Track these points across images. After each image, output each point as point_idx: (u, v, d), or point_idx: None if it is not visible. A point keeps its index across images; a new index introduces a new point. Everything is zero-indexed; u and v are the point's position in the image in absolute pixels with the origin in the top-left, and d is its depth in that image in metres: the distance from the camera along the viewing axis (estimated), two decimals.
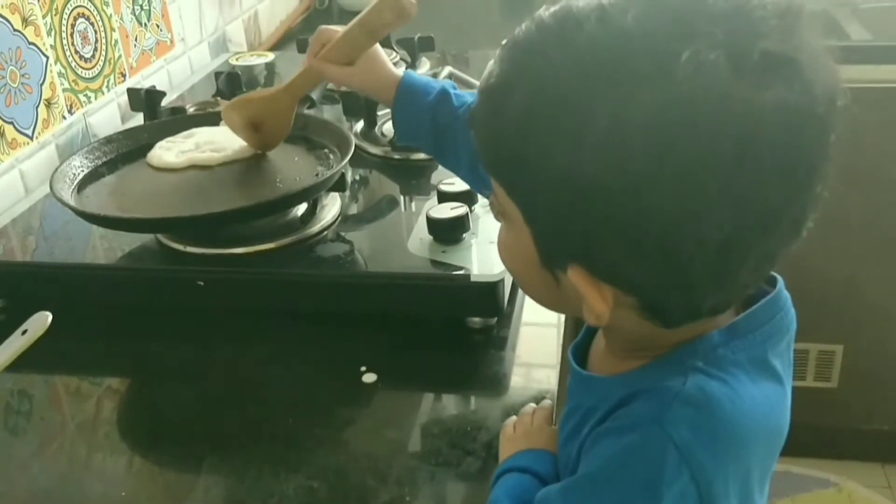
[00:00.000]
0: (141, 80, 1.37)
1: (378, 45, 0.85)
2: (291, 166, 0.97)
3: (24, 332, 0.68)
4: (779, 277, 0.58)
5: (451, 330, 0.88)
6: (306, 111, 1.05)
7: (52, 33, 1.16)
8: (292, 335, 0.89)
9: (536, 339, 0.88)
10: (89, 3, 1.24)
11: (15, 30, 1.09)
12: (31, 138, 1.13)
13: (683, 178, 0.45)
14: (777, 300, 0.56)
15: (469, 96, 0.82)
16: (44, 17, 1.14)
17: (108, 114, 1.29)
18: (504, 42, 0.52)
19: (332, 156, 0.98)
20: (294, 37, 1.92)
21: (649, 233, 0.47)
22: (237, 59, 1.54)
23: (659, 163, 0.45)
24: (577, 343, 0.66)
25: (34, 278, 0.95)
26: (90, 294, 0.94)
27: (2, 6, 1.06)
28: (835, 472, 1.88)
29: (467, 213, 0.90)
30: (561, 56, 0.48)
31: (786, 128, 0.46)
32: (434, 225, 0.90)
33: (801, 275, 1.77)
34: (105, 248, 0.97)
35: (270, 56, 1.55)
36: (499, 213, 0.57)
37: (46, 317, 0.68)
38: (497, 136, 0.52)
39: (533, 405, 0.76)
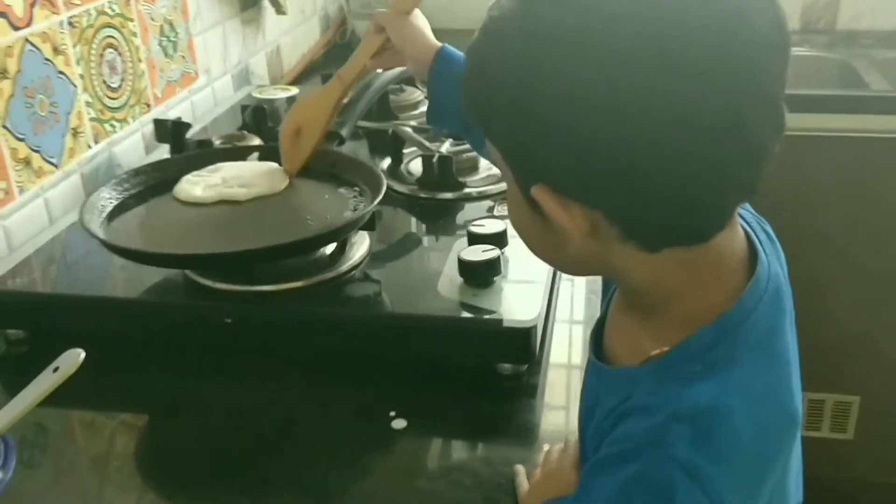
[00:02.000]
0: (165, 111, 1.36)
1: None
2: (321, 203, 0.96)
3: (56, 369, 0.66)
4: (762, 254, 0.57)
5: (480, 375, 0.86)
6: (335, 148, 1.04)
7: (82, 63, 1.15)
8: (320, 376, 0.88)
9: (566, 381, 0.87)
10: (118, 34, 1.23)
11: (45, 59, 1.08)
12: (57, 167, 1.12)
13: (614, 59, 0.46)
14: (760, 281, 0.55)
15: None
16: (74, 46, 1.14)
17: (133, 144, 1.28)
18: None
19: (362, 194, 0.97)
20: (316, 70, 1.93)
21: (594, 133, 0.47)
22: (261, 93, 1.54)
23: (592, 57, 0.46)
24: (599, 320, 0.66)
25: (57, 310, 0.93)
26: (114, 327, 0.93)
27: (34, 35, 1.06)
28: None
29: (499, 257, 0.89)
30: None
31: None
32: (466, 267, 0.89)
33: (818, 325, 1.77)
34: (129, 280, 0.95)
35: (293, 90, 1.55)
36: (499, 170, 0.59)
37: (78, 354, 0.66)
38: (471, 80, 0.54)
39: (553, 446, 0.74)
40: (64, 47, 1.12)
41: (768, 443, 0.55)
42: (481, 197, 1.12)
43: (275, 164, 1.02)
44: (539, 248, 0.60)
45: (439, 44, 0.87)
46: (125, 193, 0.98)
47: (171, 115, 1.37)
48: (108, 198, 0.95)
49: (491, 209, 1.09)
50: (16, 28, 1.03)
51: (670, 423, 0.51)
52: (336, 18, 2.15)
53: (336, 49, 2.09)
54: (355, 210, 0.94)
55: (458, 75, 0.81)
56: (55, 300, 0.93)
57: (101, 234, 0.87)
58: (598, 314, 0.68)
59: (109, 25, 1.21)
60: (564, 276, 0.98)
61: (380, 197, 0.92)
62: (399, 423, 0.80)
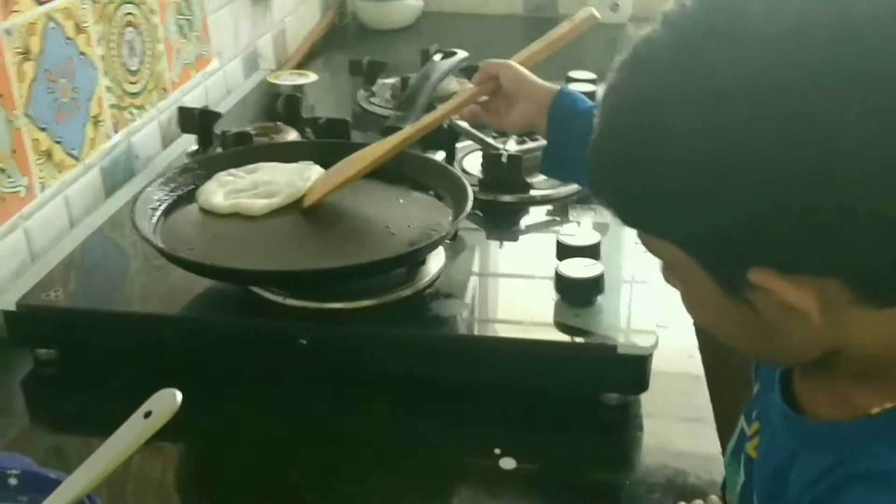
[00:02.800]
0: (181, 97, 1.24)
1: None
2: (398, 209, 0.86)
3: (148, 414, 0.56)
4: None
5: (582, 404, 0.78)
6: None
7: (102, 43, 1.03)
8: (408, 405, 0.78)
9: (675, 403, 0.80)
10: (138, 11, 1.11)
11: (67, 38, 0.96)
12: (79, 160, 0.99)
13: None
14: None
15: None
16: (95, 23, 1.01)
17: (150, 133, 1.16)
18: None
19: (440, 199, 0.88)
20: (318, 53, 1.81)
21: (806, 188, 0.41)
22: (275, 78, 1.42)
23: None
24: (783, 374, 0.57)
25: (94, 328, 0.82)
26: (164, 348, 0.82)
27: (56, 10, 0.93)
28: None
29: (603, 273, 0.81)
30: (641, 77, 0.45)
31: None
32: (566, 284, 0.81)
33: None
34: (173, 293, 0.84)
35: (311, 76, 1.44)
36: (666, 271, 0.51)
37: (174, 396, 0.56)
38: (620, 179, 0.47)
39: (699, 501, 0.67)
40: (86, 25, 0.99)
41: None
42: (545, 200, 1.04)
43: (316, 169, 0.91)
44: (748, 343, 0.51)
45: (556, 86, 0.83)
46: (173, 194, 0.86)
47: (187, 101, 1.25)
48: (157, 199, 0.84)
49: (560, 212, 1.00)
50: (39, 2, 0.91)
51: None
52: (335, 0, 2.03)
53: (335, 31, 1.98)
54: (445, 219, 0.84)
55: (580, 111, 0.77)
56: (96, 317, 0.82)
57: (160, 243, 0.76)
58: None
59: (129, 1, 1.09)
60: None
61: (468, 205, 0.82)
62: (507, 463, 0.72)
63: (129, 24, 1.09)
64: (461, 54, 1.07)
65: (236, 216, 0.83)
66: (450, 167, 0.92)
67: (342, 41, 1.95)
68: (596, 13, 0.92)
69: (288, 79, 1.42)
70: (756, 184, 0.42)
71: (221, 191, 0.85)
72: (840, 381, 0.52)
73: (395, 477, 0.71)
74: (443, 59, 1.07)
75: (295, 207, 0.85)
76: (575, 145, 0.75)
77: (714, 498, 0.66)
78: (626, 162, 0.46)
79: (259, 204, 0.83)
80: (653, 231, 0.48)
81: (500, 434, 0.75)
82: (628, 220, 0.49)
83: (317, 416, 0.77)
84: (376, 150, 0.86)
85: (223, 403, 0.78)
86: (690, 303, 0.52)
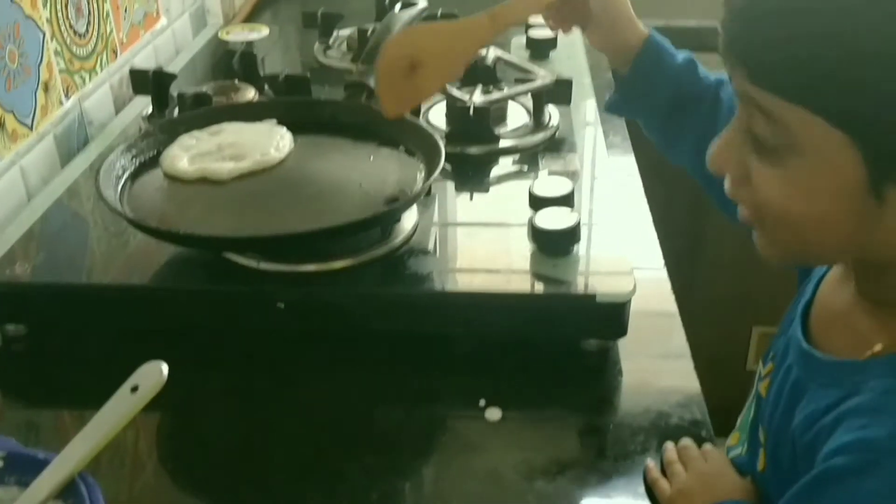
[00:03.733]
0: (130, 58, 1.20)
1: None
2: (368, 166, 0.85)
3: (134, 388, 0.55)
4: None
5: (562, 352, 0.79)
6: (365, 102, 0.92)
7: (48, 4, 0.98)
8: (392, 363, 0.78)
9: (653, 344, 0.81)
10: None
11: (12, 0, 0.91)
12: (31, 128, 0.96)
13: None
14: None
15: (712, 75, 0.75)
16: None
17: (102, 97, 1.12)
18: None
19: (411, 154, 0.87)
20: (266, 6, 1.76)
21: None
22: (227, 34, 1.38)
23: None
24: (806, 303, 0.58)
25: (61, 301, 0.80)
26: (138, 320, 0.80)
27: None
28: None
29: (579, 222, 0.81)
30: None
31: None
32: (543, 236, 0.80)
33: None
34: (145, 263, 0.82)
35: (263, 29, 1.40)
36: (770, 151, 0.49)
37: (160, 369, 0.55)
38: (805, 43, 0.45)
39: (671, 445, 0.68)
40: None
41: None
42: (514, 150, 1.03)
43: (280, 129, 0.89)
44: (832, 240, 0.51)
45: (645, 29, 0.75)
46: (136, 160, 0.84)
47: (137, 62, 1.21)
48: (120, 167, 0.81)
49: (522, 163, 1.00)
50: None
51: None
52: None
53: None
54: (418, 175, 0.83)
55: (670, 63, 0.73)
56: (63, 290, 0.79)
57: (129, 213, 0.74)
58: None
59: None
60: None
61: (441, 160, 0.82)
62: (493, 413, 0.72)
63: None
64: (421, 4, 1.05)
65: (203, 180, 0.81)
66: (419, 122, 0.91)
67: None
68: None
69: (239, 34, 1.38)
70: None
71: (186, 155, 0.83)
72: (859, 317, 0.54)
73: (381, 433, 0.71)
74: (402, 9, 1.05)
75: (265, 170, 0.83)
76: (653, 104, 0.74)
77: (687, 440, 0.68)
78: (839, 13, 0.44)
79: (226, 168, 0.81)
80: (825, 107, 0.46)
81: (484, 385, 0.75)
82: (790, 86, 0.47)
83: (300, 378, 0.77)
84: (458, 51, 0.77)
85: (201, 372, 0.77)
86: (796, 191, 0.49)
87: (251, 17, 1.68)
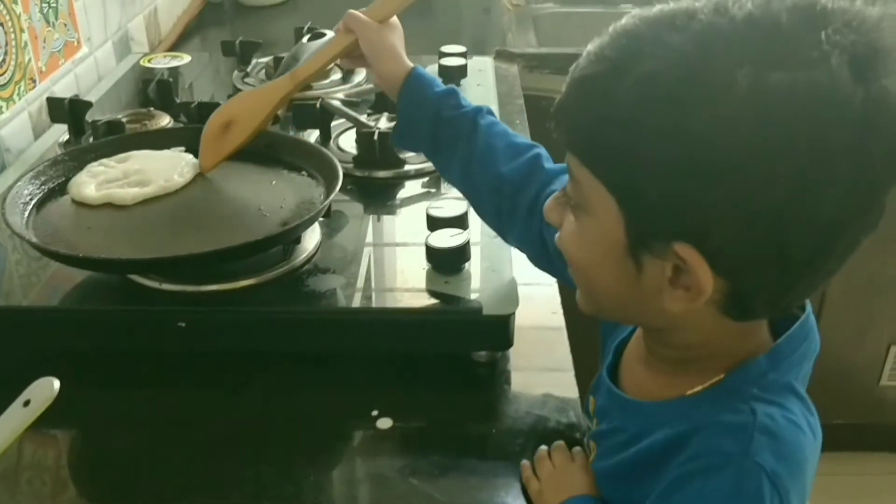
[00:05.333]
0: (50, 86, 1.23)
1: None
2: (270, 191, 0.90)
3: (27, 402, 0.58)
4: (808, 302, 0.60)
5: (454, 363, 0.84)
6: (270, 128, 0.96)
7: None
8: (288, 378, 0.82)
9: (539, 356, 0.87)
10: None
11: None
12: None
13: (814, 150, 0.47)
14: (807, 322, 0.59)
15: (472, 102, 0.82)
16: None
17: (20, 125, 1.15)
18: (600, 36, 0.53)
19: (312, 178, 0.91)
20: (193, 33, 1.80)
21: (769, 205, 0.48)
22: (149, 62, 1.42)
23: (786, 141, 0.47)
24: (610, 364, 0.67)
25: None
26: (43, 338, 0.83)
27: None
28: None
29: (468, 241, 0.86)
30: (681, 40, 0.49)
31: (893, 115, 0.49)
32: (435, 254, 0.86)
33: None
34: (53, 285, 0.85)
35: (185, 57, 1.44)
36: (573, 207, 0.57)
37: (52, 383, 0.58)
38: (603, 124, 0.52)
39: (545, 448, 0.74)
40: None
41: (815, 462, 0.57)
42: (419, 174, 1.08)
43: (186, 156, 0.93)
44: (607, 291, 0.58)
45: (411, 64, 0.81)
46: (44, 187, 0.87)
47: (57, 90, 1.24)
48: (27, 194, 0.85)
49: None
50: None
51: (753, 434, 0.53)
52: None
53: (210, 9, 1.96)
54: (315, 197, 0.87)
55: (429, 97, 0.80)
56: None
57: (33, 238, 0.77)
58: None
59: None
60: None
61: (339, 183, 0.86)
62: (384, 423, 0.77)
63: None
64: (329, 34, 1.10)
65: (109, 206, 0.84)
66: (319, 147, 0.95)
67: (219, 19, 1.94)
68: None
69: (161, 62, 1.42)
70: (728, 186, 0.48)
71: (93, 182, 0.87)
72: (661, 370, 0.62)
73: (275, 446, 0.75)
74: (310, 39, 1.09)
75: (169, 195, 0.87)
76: (421, 133, 0.80)
77: (559, 442, 0.73)
78: (626, 107, 0.50)
79: (130, 193, 0.85)
80: (603, 173, 0.53)
81: (378, 396, 0.79)
82: (585, 155, 0.54)
83: (201, 397, 0.81)
84: (262, 105, 0.88)
85: (109, 391, 0.80)
86: (580, 243, 0.57)
87: (177, 45, 1.72)
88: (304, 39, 1.10)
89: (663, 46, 0.49)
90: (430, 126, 0.79)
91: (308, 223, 0.83)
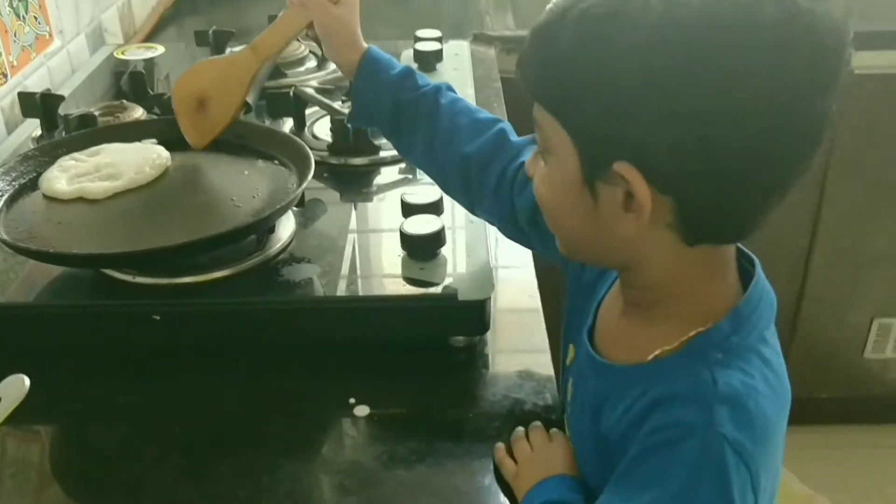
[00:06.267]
0: (22, 81, 1.22)
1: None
2: (242, 181, 0.89)
3: None
4: (756, 260, 0.62)
5: (432, 349, 0.84)
6: (242, 117, 0.96)
7: None
8: (267, 369, 0.82)
9: (517, 338, 0.87)
10: None
11: None
12: None
13: (730, 65, 0.50)
14: (760, 281, 0.61)
15: (430, 80, 0.82)
16: None
17: None
18: None
19: (285, 167, 0.91)
20: (169, 23, 1.79)
21: (694, 120, 0.51)
22: (122, 53, 1.41)
23: (703, 55, 0.50)
24: (589, 327, 0.68)
25: None
26: (22, 336, 0.83)
27: None
28: None
29: (443, 228, 0.86)
30: None
31: (832, 36, 0.51)
32: (410, 241, 0.86)
33: None
34: (25, 280, 0.85)
35: (158, 48, 1.43)
36: (542, 152, 0.60)
37: (22, 381, 0.58)
38: (548, 63, 0.56)
39: (522, 429, 0.74)
40: None
41: (782, 421, 0.59)
42: (394, 161, 1.08)
43: (158, 148, 0.93)
44: (575, 229, 0.60)
45: (365, 45, 0.81)
46: (15, 183, 0.87)
47: (29, 84, 1.23)
48: None
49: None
50: None
51: (714, 405, 0.54)
52: None
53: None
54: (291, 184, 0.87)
55: (386, 77, 0.80)
56: None
57: (3, 234, 0.77)
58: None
59: None
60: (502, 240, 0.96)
61: (311, 172, 0.86)
62: (362, 410, 0.77)
63: None
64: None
65: (80, 200, 0.84)
66: (291, 135, 0.95)
67: (194, 8, 1.92)
68: None
69: (135, 53, 1.41)
70: (650, 105, 0.51)
71: (64, 176, 0.86)
72: (632, 330, 0.63)
73: (253, 435, 0.75)
74: None
75: (141, 188, 0.86)
76: (382, 114, 0.80)
77: (536, 423, 0.74)
78: (566, 47, 0.54)
79: (101, 187, 0.84)
80: (555, 109, 0.56)
81: (356, 384, 0.80)
82: (540, 96, 0.57)
83: (177, 389, 0.81)
84: (237, 84, 0.87)
85: (83, 386, 0.80)
86: (547, 184, 0.60)
87: (152, 36, 1.71)
88: None
89: None
90: (389, 111, 0.80)
91: (280, 212, 0.83)
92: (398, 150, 0.87)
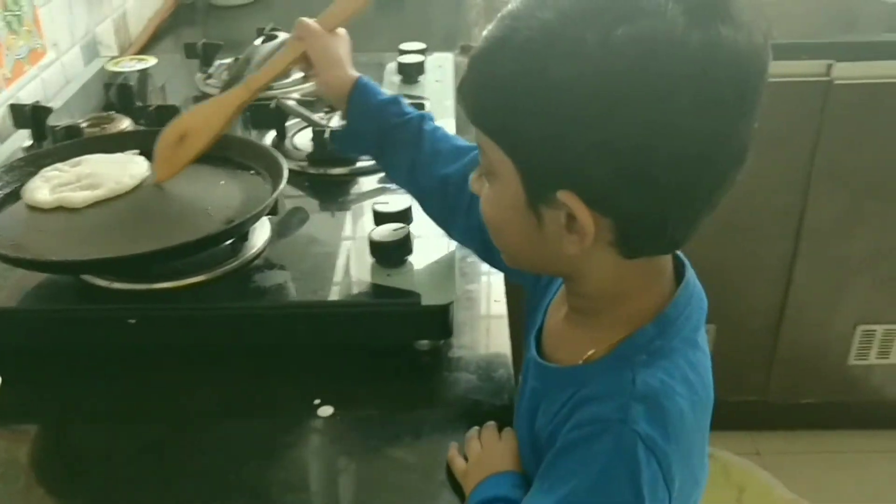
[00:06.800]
0: (16, 93, 1.26)
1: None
2: (219, 191, 0.93)
3: None
4: (687, 264, 0.66)
5: (398, 353, 0.87)
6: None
7: None
8: (236, 371, 0.86)
9: (480, 342, 0.90)
10: None
11: None
12: None
13: (660, 90, 0.53)
14: (689, 286, 0.65)
15: (415, 109, 0.87)
16: None
17: None
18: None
19: (260, 177, 0.95)
20: (164, 35, 1.83)
21: (630, 145, 0.53)
22: (115, 65, 1.45)
23: (633, 85, 0.53)
24: (538, 328, 0.72)
25: None
26: (5, 338, 0.87)
27: None
28: (709, 443, 2.00)
29: (409, 235, 0.90)
30: (548, 13, 0.55)
31: (754, 62, 0.55)
32: (378, 248, 0.89)
33: None
34: (7, 284, 0.89)
35: (150, 60, 1.47)
36: (486, 174, 0.63)
37: None
38: (489, 91, 0.58)
39: (476, 428, 0.77)
40: None
41: (700, 421, 0.62)
42: (372, 171, 1.11)
43: (137, 158, 0.97)
44: (519, 245, 0.63)
45: (356, 73, 0.86)
46: (0, 193, 0.91)
47: (22, 95, 1.27)
48: None
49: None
50: None
51: (630, 403, 0.57)
52: None
53: (182, 10, 1.99)
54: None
55: (375, 105, 0.85)
56: None
57: None
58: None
59: None
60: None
61: (283, 183, 0.90)
62: (325, 411, 0.80)
63: None
64: (282, 37, 1.14)
65: (61, 209, 0.88)
66: (266, 146, 0.99)
67: (191, 20, 1.96)
68: None
69: (127, 65, 1.45)
70: (586, 135, 0.54)
71: (46, 186, 0.90)
72: (572, 333, 0.67)
73: (219, 438, 0.79)
74: (264, 41, 1.13)
75: (120, 197, 0.90)
76: (369, 138, 0.84)
77: (489, 423, 0.77)
78: (505, 77, 0.56)
79: (81, 196, 0.88)
80: (498, 138, 0.59)
81: (323, 387, 0.83)
82: (481, 122, 0.60)
83: (154, 390, 0.84)
84: (218, 114, 0.90)
85: (55, 387, 0.84)
86: (492, 205, 0.63)
87: (147, 48, 1.75)
88: (258, 41, 1.13)
89: (533, 20, 0.55)
90: (377, 133, 0.84)
91: (250, 222, 0.86)
92: (384, 170, 0.92)
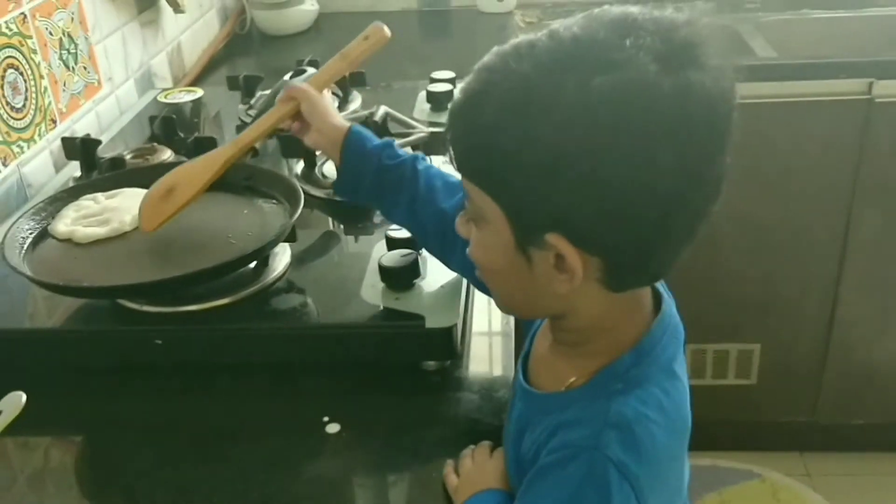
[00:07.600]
0: (71, 125, 1.36)
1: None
2: (241, 220, 0.99)
3: None
4: (664, 295, 0.69)
5: (407, 373, 0.92)
6: (249, 161, 1.06)
7: None
8: (253, 389, 0.91)
9: (486, 371, 0.94)
10: (18, 53, 1.22)
11: None
12: None
13: (637, 136, 0.56)
14: (665, 317, 0.67)
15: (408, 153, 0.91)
16: None
17: (41, 162, 1.28)
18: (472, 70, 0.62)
19: (280, 206, 1.01)
20: (218, 64, 1.92)
21: (613, 189, 0.57)
22: (166, 97, 1.54)
23: (614, 131, 0.56)
24: (525, 354, 0.75)
25: None
26: (42, 358, 0.94)
27: None
28: (758, 463, 1.98)
29: (417, 259, 0.94)
30: (524, 66, 0.58)
31: (722, 103, 0.58)
32: (386, 272, 0.94)
33: (716, 280, 1.87)
34: (51, 308, 0.97)
35: (198, 91, 1.55)
36: (473, 219, 0.66)
37: (20, 397, 0.69)
38: (473, 142, 0.61)
39: (471, 447, 0.81)
40: None
41: (674, 446, 0.65)
42: None
43: None
44: (510, 286, 0.67)
45: (347, 123, 0.90)
46: (44, 223, 0.99)
47: (78, 128, 1.37)
48: (27, 229, 0.96)
49: None
50: None
51: (603, 429, 0.61)
52: (234, 9, 2.13)
53: (236, 40, 2.08)
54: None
55: (370, 149, 0.89)
56: None
57: (27, 270, 0.88)
58: None
59: (8, 45, 1.20)
60: None
61: (298, 211, 0.95)
62: (333, 428, 0.85)
63: (11, 66, 1.21)
64: (310, 71, 1.20)
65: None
66: (286, 175, 1.05)
67: (245, 50, 2.05)
68: (386, 30, 0.97)
69: (176, 97, 1.54)
70: (569, 180, 0.57)
71: (70, 217, 0.98)
72: (556, 361, 0.70)
73: (239, 450, 0.84)
74: (293, 76, 1.19)
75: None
76: (366, 181, 0.89)
77: (484, 442, 0.80)
78: (488, 128, 0.59)
79: (86, 233, 0.95)
80: (485, 185, 0.62)
81: (333, 405, 0.87)
82: (467, 171, 0.63)
83: (174, 405, 0.90)
84: (206, 169, 0.94)
85: (81, 402, 0.91)
86: (482, 248, 0.66)
87: (201, 78, 1.84)
88: (287, 76, 1.20)
89: (511, 73, 0.58)
90: (374, 175, 0.88)
91: (266, 249, 0.92)
92: (382, 213, 0.95)
